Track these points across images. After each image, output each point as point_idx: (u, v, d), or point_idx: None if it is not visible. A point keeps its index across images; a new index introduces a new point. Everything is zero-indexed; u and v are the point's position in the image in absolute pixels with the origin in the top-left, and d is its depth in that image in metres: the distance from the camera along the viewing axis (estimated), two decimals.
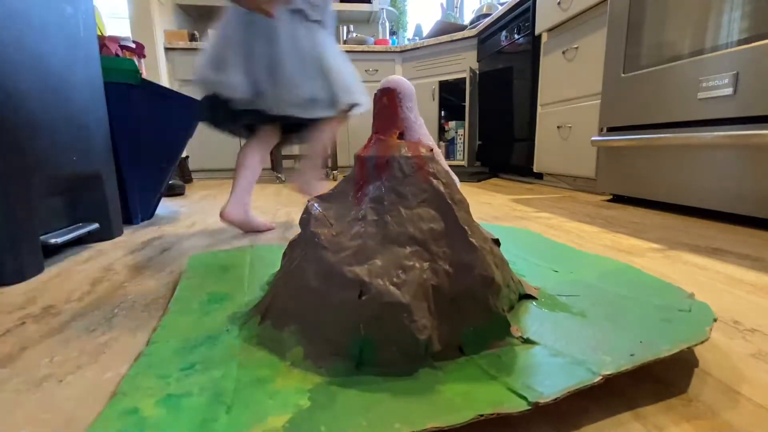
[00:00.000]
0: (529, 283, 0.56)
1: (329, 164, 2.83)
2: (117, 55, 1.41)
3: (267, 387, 0.36)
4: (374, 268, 0.40)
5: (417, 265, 0.40)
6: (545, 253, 0.74)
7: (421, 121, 0.52)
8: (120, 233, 1.06)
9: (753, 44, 0.97)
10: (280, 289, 0.47)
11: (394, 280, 0.39)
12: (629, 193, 1.41)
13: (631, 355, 0.37)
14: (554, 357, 0.38)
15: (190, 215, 1.40)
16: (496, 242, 0.52)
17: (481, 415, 0.30)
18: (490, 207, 1.44)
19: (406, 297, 0.38)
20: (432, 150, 0.48)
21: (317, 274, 0.43)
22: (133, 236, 1.06)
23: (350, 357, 0.38)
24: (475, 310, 0.41)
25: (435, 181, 0.45)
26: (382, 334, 0.38)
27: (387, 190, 0.45)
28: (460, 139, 2.75)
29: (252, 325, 0.47)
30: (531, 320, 0.46)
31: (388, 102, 0.49)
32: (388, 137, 0.48)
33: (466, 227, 0.43)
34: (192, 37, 3.01)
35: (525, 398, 0.32)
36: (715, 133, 1.03)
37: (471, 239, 0.42)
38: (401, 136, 0.48)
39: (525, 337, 0.42)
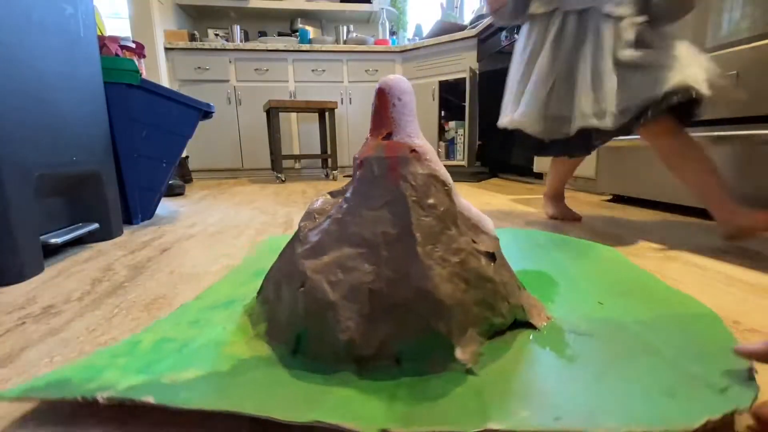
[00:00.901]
0: (543, 310, 0.50)
1: (329, 164, 2.83)
2: (117, 55, 1.41)
3: (222, 348, 0.44)
4: (318, 265, 0.42)
5: (359, 266, 0.40)
6: (607, 280, 0.62)
7: (415, 121, 0.51)
8: (120, 233, 1.06)
9: (753, 44, 0.97)
10: (271, 269, 0.53)
11: (331, 278, 0.41)
12: (629, 193, 1.41)
13: (556, 419, 0.31)
14: (476, 398, 0.34)
15: (190, 215, 1.40)
16: (491, 256, 0.46)
17: (318, 421, 0.31)
18: (490, 207, 1.44)
19: (335, 296, 0.40)
20: (414, 151, 0.46)
21: (285, 262, 0.47)
22: (133, 236, 1.06)
23: (289, 343, 0.42)
24: (412, 323, 0.39)
25: (403, 184, 0.43)
26: (313, 327, 0.41)
27: (354, 191, 0.46)
28: (460, 139, 2.75)
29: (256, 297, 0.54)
30: (500, 352, 0.41)
31: (378, 102, 0.48)
32: (375, 137, 0.48)
33: (417, 234, 0.41)
34: (192, 37, 3.01)
35: (378, 424, 0.31)
36: (716, 133, 1.03)
37: (417, 248, 0.40)
38: (389, 136, 0.47)
39: (470, 367, 0.38)
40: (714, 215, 0.84)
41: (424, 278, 0.39)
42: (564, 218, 1.16)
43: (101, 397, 0.35)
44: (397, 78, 0.49)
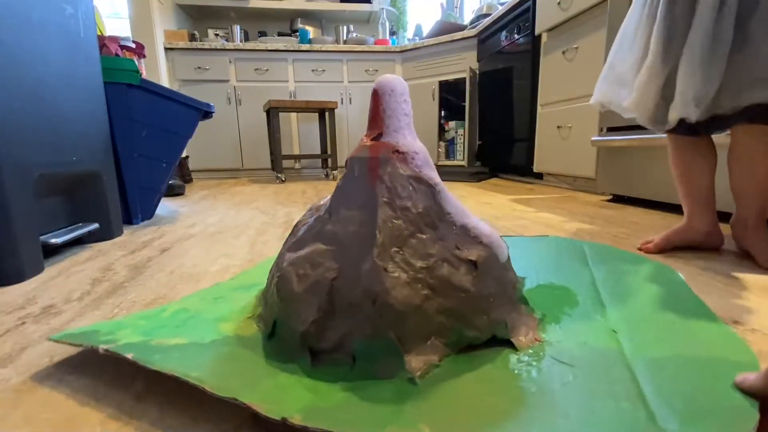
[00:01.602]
0: (534, 331, 0.46)
1: (329, 164, 2.83)
2: (117, 55, 1.41)
3: (218, 324, 0.49)
4: (294, 258, 0.44)
5: (326, 263, 0.42)
6: (641, 306, 0.53)
7: (408, 121, 0.50)
8: (120, 233, 1.06)
9: None
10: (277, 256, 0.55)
11: (299, 271, 0.43)
12: (629, 193, 1.41)
13: None
14: (394, 407, 0.34)
15: (190, 215, 1.40)
16: (473, 264, 0.43)
17: (234, 399, 0.33)
18: (490, 207, 1.44)
19: (299, 288, 0.42)
20: (397, 151, 0.46)
21: (281, 253, 0.49)
22: (133, 236, 1.06)
23: (267, 327, 0.45)
24: (364, 324, 0.39)
25: (378, 185, 0.44)
26: (282, 316, 0.43)
27: (337, 190, 0.47)
28: (460, 139, 2.75)
29: None
30: (463, 367, 0.39)
31: (372, 102, 0.49)
32: (368, 138, 0.48)
33: (379, 235, 0.41)
34: (192, 37, 3.02)
35: (282, 412, 0.32)
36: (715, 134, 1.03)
37: (374, 249, 0.40)
38: (379, 136, 0.48)
39: (412, 377, 0.37)
40: None
41: (375, 280, 0.39)
42: None
43: (102, 348, 0.41)
44: (390, 78, 0.48)
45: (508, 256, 0.50)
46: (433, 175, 0.47)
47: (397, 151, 0.46)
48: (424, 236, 0.43)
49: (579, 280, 0.64)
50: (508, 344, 0.43)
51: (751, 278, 0.65)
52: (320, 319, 0.40)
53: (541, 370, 0.39)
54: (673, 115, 0.70)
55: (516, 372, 0.39)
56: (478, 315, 0.42)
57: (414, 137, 0.48)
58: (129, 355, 0.39)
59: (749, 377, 0.33)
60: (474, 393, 0.36)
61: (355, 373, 0.38)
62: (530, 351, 0.43)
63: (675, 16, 0.70)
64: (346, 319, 0.40)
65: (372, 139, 0.47)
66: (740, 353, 0.41)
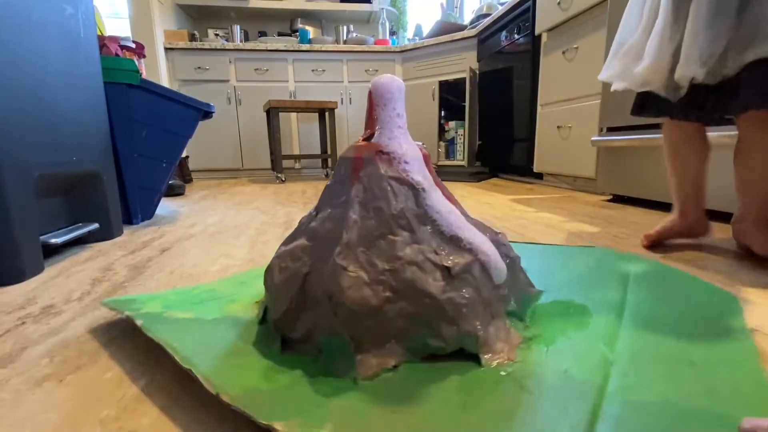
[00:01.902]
0: (512, 350, 0.42)
1: (329, 164, 2.83)
2: (117, 55, 1.41)
3: (226, 305, 0.54)
4: (281, 251, 0.47)
5: (303, 258, 0.44)
6: (667, 336, 0.45)
7: (401, 121, 0.50)
8: (120, 233, 1.06)
9: None
10: None
11: (282, 264, 0.45)
12: (629, 193, 1.41)
13: None
14: (315, 402, 0.35)
15: (190, 215, 1.40)
16: (447, 270, 0.42)
17: (191, 371, 0.37)
18: (490, 207, 1.44)
19: (278, 279, 0.45)
20: (380, 151, 0.46)
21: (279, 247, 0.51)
22: (133, 236, 1.06)
23: (260, 313, 0.48)
24: (323, 318, 0.40)
25: (356, 185, 0.44)
26: (268, 303, 0.46)
27: (325, 189, 0.49)
28: (460, 139, 2.75)
29: None
30: (415, 377, 0.38)
31: (368, 102, 0.49)
32: (361, 138, 0.49)
33: (345, 235, 0.42)
34: (192, 37, 3.02)
35: (218, 388, 0.35)
36: (716, 133, 1.03)
37: (336, 248, 0.41)
38: (371, 136, 0.48)
39: (355, 377, 0.38)
40: None
41: (333, 278, 0.40)
42: None
43: (126, 314, 0.49)
44: (385, 78, 0.49)
45: (518, 267, 0.49)
46: (420, 178, 0.46)
47: (381, 151, 0.46)
48: (396, 238, 0.42)
49: (605, 300, 0.55)
50: (478, 359, 0.41)
51: (750, 278, 0.65)
52: (292, 310, 0.42)
53: (493, 391, 0.36)
54: (680, 74, 0.69)
55: (463, 390, 0.36)
56: (445, 324, 0.40)
57: (406, 137, 0.48)
58: (139, 322, 0.46)
59: (754, 423, 0.29)
60: (405, 403, 0.35)
61: (318, 366, 0.40)
62: (497, 370, 0.39)
63: None
64: (313, 313, 0.41)
65: (364, 140, 0.48)
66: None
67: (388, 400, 0.35)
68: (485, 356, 0.41)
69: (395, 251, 0.41)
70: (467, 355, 0.41)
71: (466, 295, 0.41)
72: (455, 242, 0.44)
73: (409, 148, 0.47)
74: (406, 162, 0.46)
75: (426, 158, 0.50)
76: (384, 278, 0.40)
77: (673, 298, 0.56)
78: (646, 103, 0.85)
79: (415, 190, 0.45)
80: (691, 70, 0.68)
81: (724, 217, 1.15)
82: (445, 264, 0.42)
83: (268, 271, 0.47)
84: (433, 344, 0.40)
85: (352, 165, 0.46)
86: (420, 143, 0.52)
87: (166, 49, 2.81)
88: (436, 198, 0.45)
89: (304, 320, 0.42)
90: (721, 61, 0.66)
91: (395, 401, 0.35)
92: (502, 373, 0.39)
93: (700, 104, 0.75)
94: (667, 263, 0.73)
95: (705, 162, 0.83)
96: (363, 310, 0.39)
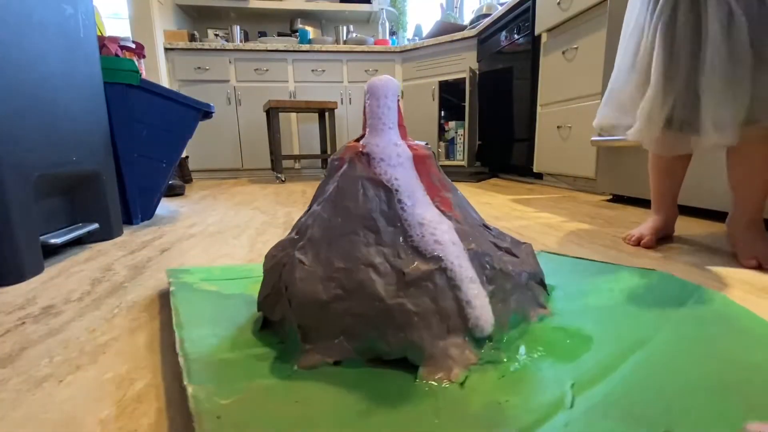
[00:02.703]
0: (457, 370, 0.38)
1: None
2: (117, 55, 1.41)
3: (248, 283, 0.61)
4: (279, 242, 0.50)
5: (287, 249, 0.47)
6: (663, 372, 0.37)
7: (391, 122, 0.49)
8: (120, 233, 1.06)
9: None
10: None
11: (273, 252, 0.49)
12: (629, 193, 1.41)
13: None
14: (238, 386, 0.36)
15: (190, 215, 1.40)
16: (402, 275, 0.41)
17: (177, 354, 0.40)
18: (489, 207, 1.44)
19: (266, 266, 0.48)
20: (361, 152, 0.46)
21: None
22: (133, 236, 1.06)
23: (260, 296, 0.50)
24: (284, 306, 0.43)
25: (331, 184, 0.48)
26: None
27: (318, 187, 0.52)
28: (460, 139, 2.75)
29: None
30: (346, 376, 0.38)
31: (364, 103, 0.51)
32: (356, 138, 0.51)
33: (309, 231, 0.45)
34: (192, 37, 3.01)
35: (183, 348, 0.41)
36: None
37: (300, 242, 0.45)
38: (362, 137, 0.50)
39: (296, 369, 0.39)
40: None
41: (290, 270, 0.43)
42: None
43: (170, 281, 0.60)
44: (375, 79, 0.50)
45: (523, 284, 0.48)
46: (394, 182, 0.45)
47: (360, 152, 0.47)
48: (358, 237, 0.43)
49: (621, 336, 0.44)
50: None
51: (751, 278, 0.66)
52: (271, 295, 0.46)
53: (405, 406, 0.34)
54: (708, 143, 0.67)
55: (378, 397, 0.35)
56: (392, 329, 0.39)
57: (395, 138, 0.48)
58: (172, 288, 0.57)
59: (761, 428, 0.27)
60: (315, 397, 0.35)
61: (281, 348, 0.42)
62: (428, 387, 0.36)
63: (676, 38, 0.67)
64: (285, 302, 0.44)
65: (356, 140, 0.50)
66: None
67: (303, 391, 0.36)
68: (424, 370, 0.38)
69: (354, 251, 0.42)
70: (414, 366, 0.39)
71: (423, 305, 0.39)
72: (418, 243, 0.42)
73: (388, 148, 0.47)
74: (386, 163, 0.46)
75: (426, 158, 0.50)
76: (337, 276, 0.41)
77: (715, 353, 0.40)
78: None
79: (388, 191, 0.45)
80: (720, 137, 0.66)
81: (723, 217, 1.15)
82: (403, 269, 0.40)
83: (265, 259, 0.51)
84: (380, 348, 0.40)
85: (337, 165, 0.49)
86: (424, 143, 0.52)
87: (166, 50, 2.81)
88: (413, 199, 0.45)
89: (281, 307, 0.44)
90: (749, 116, 0.65)
91: (307, 394, 0.35)
92: (427, 389, 0.36)
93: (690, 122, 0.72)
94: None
95: (686, 168, 0.88)
96: (311, 303, 0.40)
